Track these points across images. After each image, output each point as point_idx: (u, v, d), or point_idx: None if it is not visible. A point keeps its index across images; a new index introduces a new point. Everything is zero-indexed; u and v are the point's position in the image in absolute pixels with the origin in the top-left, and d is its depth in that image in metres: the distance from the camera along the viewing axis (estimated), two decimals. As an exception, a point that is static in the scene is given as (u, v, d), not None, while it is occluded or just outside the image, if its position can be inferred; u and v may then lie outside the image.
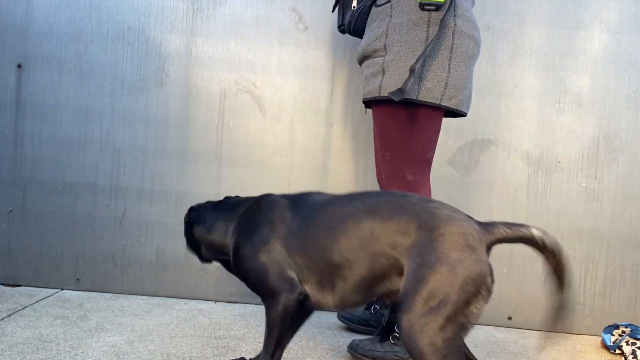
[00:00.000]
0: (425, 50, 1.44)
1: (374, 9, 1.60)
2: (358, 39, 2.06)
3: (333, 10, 1.78)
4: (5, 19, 2.06)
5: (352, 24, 1.68)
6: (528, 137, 2.08)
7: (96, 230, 2.10)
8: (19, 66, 2.07)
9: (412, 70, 1.43)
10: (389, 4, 1.53)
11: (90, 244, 2.10)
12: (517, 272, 2.10)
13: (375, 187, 2.06)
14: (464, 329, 1.00)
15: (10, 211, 2.10)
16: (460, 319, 1.00)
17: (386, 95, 1.48)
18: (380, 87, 1.51)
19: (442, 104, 1.50)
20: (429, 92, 1.47)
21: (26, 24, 2.06)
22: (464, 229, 1.05)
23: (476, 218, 2.15)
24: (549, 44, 2.07)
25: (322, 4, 2.07)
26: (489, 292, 1.03)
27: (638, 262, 2.10)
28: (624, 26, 2.07)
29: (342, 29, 1.76)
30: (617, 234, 2.09)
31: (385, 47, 1.51)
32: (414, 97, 1.46)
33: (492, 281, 1.08)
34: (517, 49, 2.07)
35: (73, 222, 2.10)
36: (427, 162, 1.58)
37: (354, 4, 1.66)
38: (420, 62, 1.44)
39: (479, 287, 1.04)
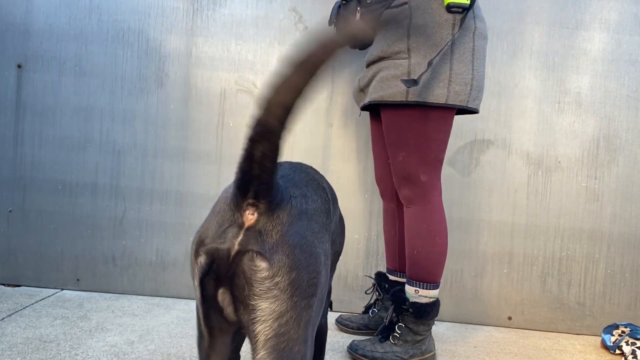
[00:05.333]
0: (445, 47, 1.43)
1: (386, 12, 1.55)
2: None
3: (330, 25, 1.69)
4: (5, 19, 2.06)
5: None
6: (528, 137, 2.08)
7: (96, 230, 2.10)
8: (19, 66, 2.07)
9: (430, 64, 1.41)
10: (406, 5, 1.49)
11: (90, 244, 2.10)
12: (517, 272, 2.10)
13: (375, 187, 2.07)
14: None
15: (10, 211, 2.10)
16: None
17: (413, 100, 1.45)
18: (407, 91, 1.46)
19: (469, 105, 1.50)
20: (457, 95, 1.46)
21: (26, 24, 2.06)
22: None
23: (476, 218, 2.17)
24: (549, 44, 2.07)
25: (322, 4, 2.07)
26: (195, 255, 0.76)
27: (638, 262, 2.10)
28: (624, 26, 2.07)
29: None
30: (617, 234, 2.09)
31: (409, 49, 1.47)
32: (443, 100, 1.45)
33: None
34: (517, 49, 2.07)
35: (73, 222, 2.10)
36: (440, 162, 1.57)
37: (357, 17, 1.60)
38: (438, 56, 1.42)
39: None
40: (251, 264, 0.70)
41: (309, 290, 0.72)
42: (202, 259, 0.73)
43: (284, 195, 0.77)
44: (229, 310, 0.74)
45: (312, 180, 0.89)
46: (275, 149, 0.69)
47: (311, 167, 0.99)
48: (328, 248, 0.81)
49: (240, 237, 0.72)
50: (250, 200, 0.73)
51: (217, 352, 0.79)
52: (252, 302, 0.70)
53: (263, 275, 0.70)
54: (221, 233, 0.73)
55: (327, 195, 0.90)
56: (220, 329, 0.78)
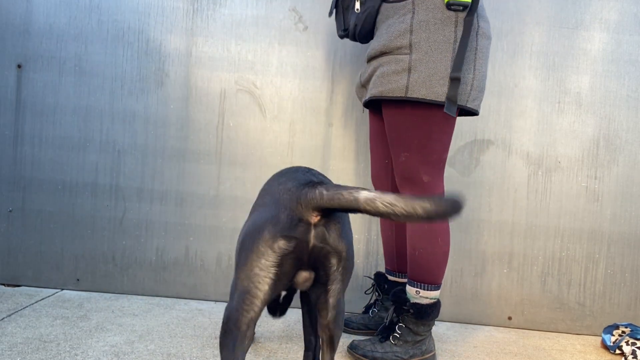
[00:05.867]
0: (461, 55, 1.41)
1: (386, 5, 1.54)
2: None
3: (330, 15, 1.72)
4: (5, 19, 2.06)
5: (358, 27, 1.62)
6: (528, 137, 2.09)
7: (96, 230, 2.10)
8: (19, 66, 2.07)
9: (455, 79, 1.39)
10: (408, 0, 1.47)
11: (90, 244, 2.10)
12: (517, 272, 2.10)
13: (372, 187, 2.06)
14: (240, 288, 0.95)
15: (10, 211, 2.10)
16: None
17: (413, 96, 1.44)
18: (407, 87, 1.45)
19: (468, 105, 1.48)
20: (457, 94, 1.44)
21: (26, 24, 2.06)
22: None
23: (476, 218, 2.17)
24: (549, 44, 2.07)
25: (322, 4, 2.07)
26: (272, 249, 0.92)
27: (638, 262, 2.10)
28: (624, 26, 2.07)
29: (345, 34, 1.70)
30: (617, 234, 2.09)
31: (410, 45, 1.45)
32: (442, 98, 1.43)
33: (277, 232, 0.93)
34: (517, 49, 2.07)
35: (73, 222, 2.10)
36: (442, 163, 1.55)
37: (357, 6, 1.61)
38: (461, 70, 1.41)
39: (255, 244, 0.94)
40: (326, 260, 0.96)
41: (351, 270, 1.03)
42: (281, 244, 0.92)
43: None
44: (305, 285, 0.99)
45: (329, 182, 1.08)
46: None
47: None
48: None
49: (312, 233, 0.93)
50: (312, 205, 0.92)
51: (253, 327, 0.95)
52: (327, 285, 0.99)
53: (334, 268, 0.97)
54: (294, 226, 0.92)
55: None
56: (266, 304, 0.96)
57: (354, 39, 1.70)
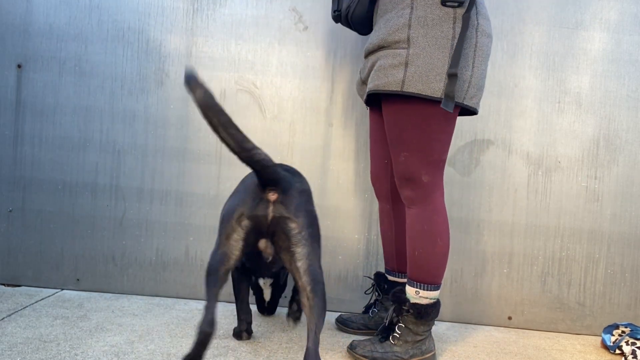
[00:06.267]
0: (460, 51, 1.40)
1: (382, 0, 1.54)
2: (358, 35, 2.07)
3: None
4: (5, 19, 2.06)
5: (350, 10, 1.61)
6: (528, 137, 2.09)
7: (96, 230, 2.10)
8: (19, 66, 2.07)
9: (452, 75, 1.38)
10: None
11: (90, 244, 2.10)
12: (517, 272, 2.10)
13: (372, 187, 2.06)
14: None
15: (10, 211, 2.10)
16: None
17: (409, 90, 1.42)
18: (403, 81, 1.43)
19: (465, 103, 1.46)
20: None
21: (26, 24, 2.06)
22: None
23: (476, 218, 2.17)
24: (549, 44, 2.07)
25: (322, 4, 2.07)
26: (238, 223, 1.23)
27: (638, 262, 2.10)
28: (624, 26, 2.07)
29: (337, 14, 1.68)
30: (617, 234, 2.09)
31: (408, 40, 1.44)
32: (439, 95, 1.41)
33: (241, 214, 1.22)
34: (517, 49, 2.07)
35: (73, 222, 2.10)
36: (442, 163, 1.54)
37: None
38: (458, 66, 1.40)
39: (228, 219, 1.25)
40: (285, 226, 1.19)
41: (317, 237, 1.25)
42: (245, 222, 1.21)
43: (291, 182, 1.24)
44: (269, 252, 1.24)
45: (298, 173, 1.38)
46: (264, 157, 1.15)
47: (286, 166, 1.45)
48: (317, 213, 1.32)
49: (271, 208, 1.19)
50: (272, 185, 1.18)
51: (225, 279, 1.26)
52: (292, 249, 1.19)
53: (295, 231, 1.19)
54: (256, 205, 1.20)
55: (308, 183, 1.38)
56: (235, 266, 1.26)
57: (347, 23, 1.68)
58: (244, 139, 1.10)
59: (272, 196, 1.19)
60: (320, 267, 1.24)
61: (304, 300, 1.20)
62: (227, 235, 1.22)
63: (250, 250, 1.25)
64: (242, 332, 1.66)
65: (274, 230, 1.19)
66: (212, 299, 1.23)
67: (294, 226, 1.18)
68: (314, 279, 1.19)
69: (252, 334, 1.73)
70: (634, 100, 2.08)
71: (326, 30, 2.08)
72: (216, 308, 1.24)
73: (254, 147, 1.12)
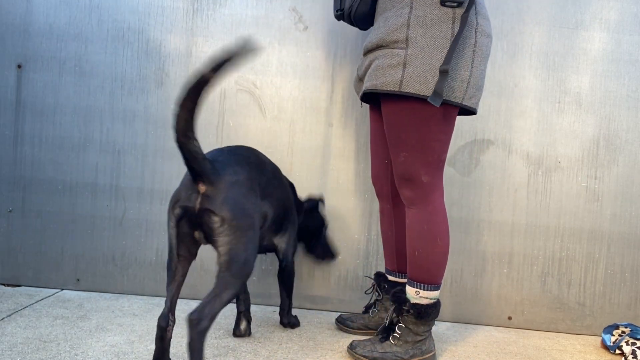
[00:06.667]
0: (453, 49, 1.39)
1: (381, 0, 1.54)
2: (358, 35, 2.07)
3: None
4: (5, 19, 2.06)
5: (353, 8, 1.61)
6: (528, 137, 2.09)
7: (96, 230, 2.10)
8: (19, 66, 2.07)
9: (443, 72, 1.38)
10: None
11: (90, 244, 2.10)
12: (517, 272, 2.10)
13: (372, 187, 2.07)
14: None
15: (10, 211, 2.10)
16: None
17: (407, 91, 1.42)
18: (400, 81, 1.43)
19: (464, 103, 1.46)
20: (452, 91, 1.43)
21: (26, 24, 2.06)
22: None
23: (476, 218, 2.17)
24: (549, 44, 2.07)
25: (322, 4, 2.07)
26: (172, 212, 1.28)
27: (638, 262, 2.10)
28: (624, 26, 2.07)
29: (340, 14, 1.68)
30: (617, 234, 2.09)
31: (407, 39, 1.44)
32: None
33: (175, 202, 1.27)
34: (517, 49, 2.07)
35: (73, 222, 2.10)
36: (442, 163, 1.54)
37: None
38: (450, 63, 1.40)
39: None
40: (209, 218, 1.22)
41: (244, 227, 1.25)
42: (177, 211, 1.25)
43: (220, 172, 1.25)
44: (203, 241, 1.28)
45: (241, 159, 1.35)
46: (196, 147, 1.16)
47: (245, 148, 1.45)
48: (257, 201, 1.33)
49: (199, 200, 1.22)
50: (201, 177, 1.21)
51: (180, 270, 1.32)
52: (214, 238, 1.23)
53: (217, 225, 1.22)
54: (188, 197, 1.24)
55: (251, 168, 1.36)
56: (184, 256, 1.32)
57: (350, 21, 1.68)
58: (191, 127, 1.13)
59: (202, 188, 1.22)
60: (245, 252, 1.24)
61: (217, 274, 1.25)
62: (168, 226, 1.29)
63: (188, 240, 1.29)
64: (238, 324, 1.70)
65: (202, 222, 1.23)
66: (168, 293, 1.31)
67: (216, 219, 1.21)
68: (230, 258, 1.23)
69: (253, 334, 1.73)
70: (634, 100, 2.08)
71: (326, 30, 2.08)
72: (173, 302, 1.31)
73: (193, 137, 1.15)
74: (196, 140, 1.16)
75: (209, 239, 1.25)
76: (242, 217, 1.24)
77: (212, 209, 1.21)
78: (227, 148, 1.40)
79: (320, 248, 1.92)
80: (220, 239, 1.22)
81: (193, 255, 1.34)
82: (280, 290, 1.80)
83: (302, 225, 1.85)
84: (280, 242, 1.69)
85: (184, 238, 1.28)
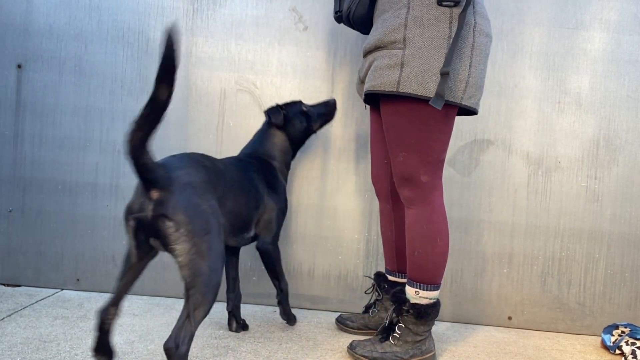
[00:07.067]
0: (452, 50, 1.39)
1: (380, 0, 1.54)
2: (358, 35, 2.07)
3: None
4: (5, 19, 2.06)
5: (351, 10, 1.61)
6: (528, 137, 2.09)
7: (96, 230, 2.10)
8: (19, 66, 2.07)
9: (444, 74, 1.38)
10: None
11: (90, 244, 2.10)
12: (517, 272, 2.10)
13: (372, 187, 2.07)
14: None
15: (10, 211, 2.10)
16: None
17: (405, 91, 1.42)
18: (398, 82, 1.43)
19: (463, 102, 1.45)
20: (450, 91, 1.43)
21: (26, 24, 2.06)
22: None
23: (476, 218, 2.17)
24: (549, 44, 2.07)
25: (322, 4, 2.07)
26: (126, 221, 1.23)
27: (638, 262, 2.10)
28: (624, 26, 2.07)
29: (338, 15, 1.68)
30: (617, 234, 2.09)
31: (404, 40, 1.43)
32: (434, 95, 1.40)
33: (129, 214, 1.22)
34: (517, 49, 2.07)
35: (73, 222, 2.10)
36: (441, 163, 1.54)
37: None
38: (450, 65, 1.39)
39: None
40: (163, 224, 1.16)
41: (202, 232, 1.18)
42: (132, 222, 1.19)
43: (171, 176, 1.19)
44: (161, 248, 1.22)
45: (194, 163, 1.31)
46: (147, 159, 1.11)
47: (199, 154, 1.40)
48: (214, 203, 1.28)
49: (151, 207, 1.15)
50: (152, 184, 1.15)
51: (137, 269, 1.29)
52: (171, 246, 1.16)
53: (172, 230, 1.15)
54: (141, 205, 1.17)
55: (208, 171, 1.32)
56: (144, 257, 1.28)
57: (349, 23, 1.68)
58: (145, 144, 1.09)
59: (154, 194, 1.16)
60: (207, 259, 1.19)
61: (185, 292, 1.19)
62: (127, 234, 1.26)
63: (148, 246, 1.25)
64: (230, 324, 1.76)
65: (156, 229, 1.17)
66: (117, 286, 1.28)
67: (170, 224, 1.14)
68: (193, 272, 1.16)
69: (253, 334, 1.73)
70: (634, 100, 2.08)
71: (326, 30, 2.08)
72: (119, 297, 1.27)
73: (146, 151, 1.10)
74: (148, 152, 1.11)
75: (167, 247, 1.19)
76: (198, 220, 1.18)
77: (165, 214, 1.15)
78: (180, 154, 1.36)
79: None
80: (178, 247, 1.16)
81: (153, 257, 1.31)
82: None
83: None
84: (257, 229, 1.64)
85: (143, 245, 1.24)
